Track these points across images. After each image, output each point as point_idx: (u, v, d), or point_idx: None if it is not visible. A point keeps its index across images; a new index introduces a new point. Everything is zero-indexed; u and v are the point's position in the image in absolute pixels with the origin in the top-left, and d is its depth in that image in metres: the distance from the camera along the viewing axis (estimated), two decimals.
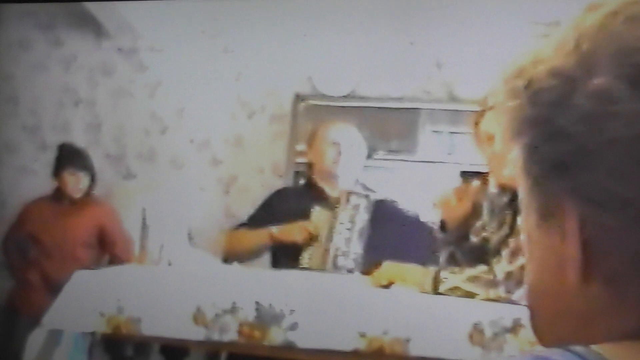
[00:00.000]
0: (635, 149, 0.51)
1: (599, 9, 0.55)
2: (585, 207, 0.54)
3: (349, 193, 3.01)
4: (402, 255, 2.44)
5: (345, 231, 2.94)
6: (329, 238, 2.94)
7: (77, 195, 4.17)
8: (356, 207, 2.97)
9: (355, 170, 3.18)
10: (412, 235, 2.96)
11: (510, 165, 0.61)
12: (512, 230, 2.26)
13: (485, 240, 2.43)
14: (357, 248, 2.93)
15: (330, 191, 3.11)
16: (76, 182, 4.15)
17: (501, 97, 0.59)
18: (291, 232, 2.96)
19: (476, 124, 2.38)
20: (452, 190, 2.52)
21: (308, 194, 3.17)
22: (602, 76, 0.52)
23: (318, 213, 2.99)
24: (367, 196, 3.01)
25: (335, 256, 2.91)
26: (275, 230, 2.96)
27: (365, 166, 3.28)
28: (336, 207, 2.98)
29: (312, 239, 2.95)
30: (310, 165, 3.27)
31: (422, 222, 3.03)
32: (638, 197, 0.51)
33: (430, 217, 2.92)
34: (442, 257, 2.60)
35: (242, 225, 3.19)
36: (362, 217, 2.96)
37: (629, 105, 0.51)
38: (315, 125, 3.38)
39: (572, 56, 0.54)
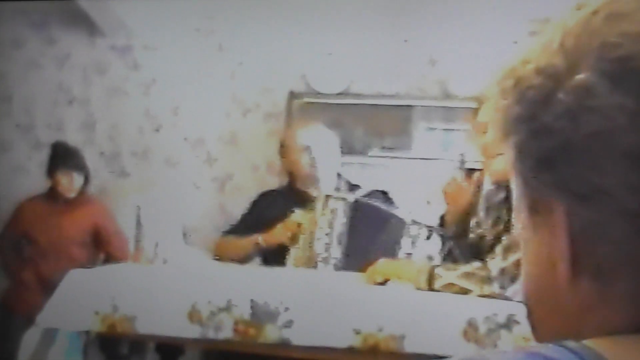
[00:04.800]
0: (613, 142, 0.52)
1: (583, 8, 0.56)
2: (570, 202, 0.55)
3: (327, 197, 3.01)
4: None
5: (324, 237, 2.95)
6: (310, 243, 2.95)
7: (71, 195, 4.17)
8: (334, 211, 2.97)
9: (334, 167, 3.18)
10: (391, 236, 2.95)
11: (503, 163, 0.62)
12: (508, 226, 2.27)
13: (482, 237, 2.43)
14: (336, 253, 2.94)
15: (315, 192, 3.11)
16: (70, 182, 4.14)
17: (494, 98, 0.60)
18: (276, 234, 2.98)
19: (474, 118, 2.39)
20: (458, 176, 2.53)
21: (292, 196, 3.17)
22: (583, 72, 0.53)
23: (299, 214, 3.00)
24: (344, 199, 3.00)
25: (316, 263, 2.92)
26: (261, 239, 2.99)
27: (359, 163, 3.28)
28: (314, 209, 2.99)
29: (294, 237, 2.96)
30: (289, 172, 3.27)
31: (401, 220, 3.02)
32: (618, 189, 0.52)
33: (426, 213, 2.93)
34: (440, 253, 2.61)
35: (230, 231, 3.20)
36: (340, 221, 2.96)
37: (607, 99, 0.52)
38: (283, 135, 3.39)
39: (557, 54, 0.56)
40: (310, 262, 2.93)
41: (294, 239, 2.96)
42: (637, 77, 0.52)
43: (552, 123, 0.54)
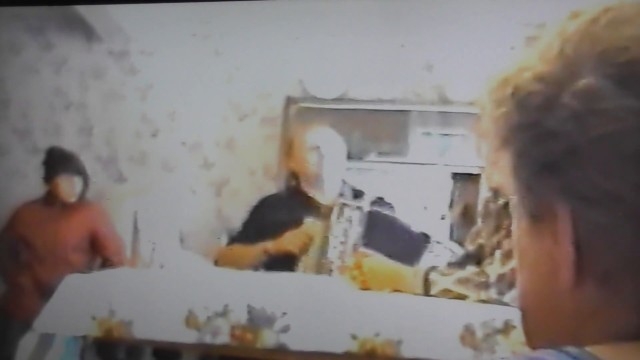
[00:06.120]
0: (623, 144, 0.52)
1: (580, 17, 0.56)
2: (576, 206, 0.55)
3: (343, 205, 2.98)
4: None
5: (339, 245, 2.92)
6: (323, 251, 2.92)
7: (72, 199, 4.16)
8: (349, 219, 2.94)
9: (340, 171, 3.16)
10: (405, 246, 2.93)
11: (499, 172, 0.61)
12: (508, 232, 2.26)
13: (481, 247, 2.41)
14: (351, 262, 2.91)
15: (320, 198, 3.09)
16: (71, 187, 4.14)
17: (487, 108, 0.60)
18: (285, 243, 2.92)
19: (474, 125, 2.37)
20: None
21: (297, 201, 3.12)
22: (587, 77, 0.53)
23: (311, 224, 2.96)
24: (359, 208, 2.96)
25: (330, 271, 2.89)
26: (270, 245, 2.92)
27: (356, 168, 3.26)
28: (329, 220, 2.95)
29: (306, 248, 2.92)
30: (293, 173, 3.23)
31: (414, 232, 3.00)
32: (628, 192, 0.52)
33: (423, 218, 2.92)
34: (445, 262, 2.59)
35: (234, 240, 3.14)
36: (356, 230, 2.94)
37: (615, 102, 0.52)
38: (292, 133, 3.35)
39: (557, 61, 0.55)
40: (322, 270, 2.89)
41: (304, 249, 2.93)
42: None
43: (557, 127, 0.54)
